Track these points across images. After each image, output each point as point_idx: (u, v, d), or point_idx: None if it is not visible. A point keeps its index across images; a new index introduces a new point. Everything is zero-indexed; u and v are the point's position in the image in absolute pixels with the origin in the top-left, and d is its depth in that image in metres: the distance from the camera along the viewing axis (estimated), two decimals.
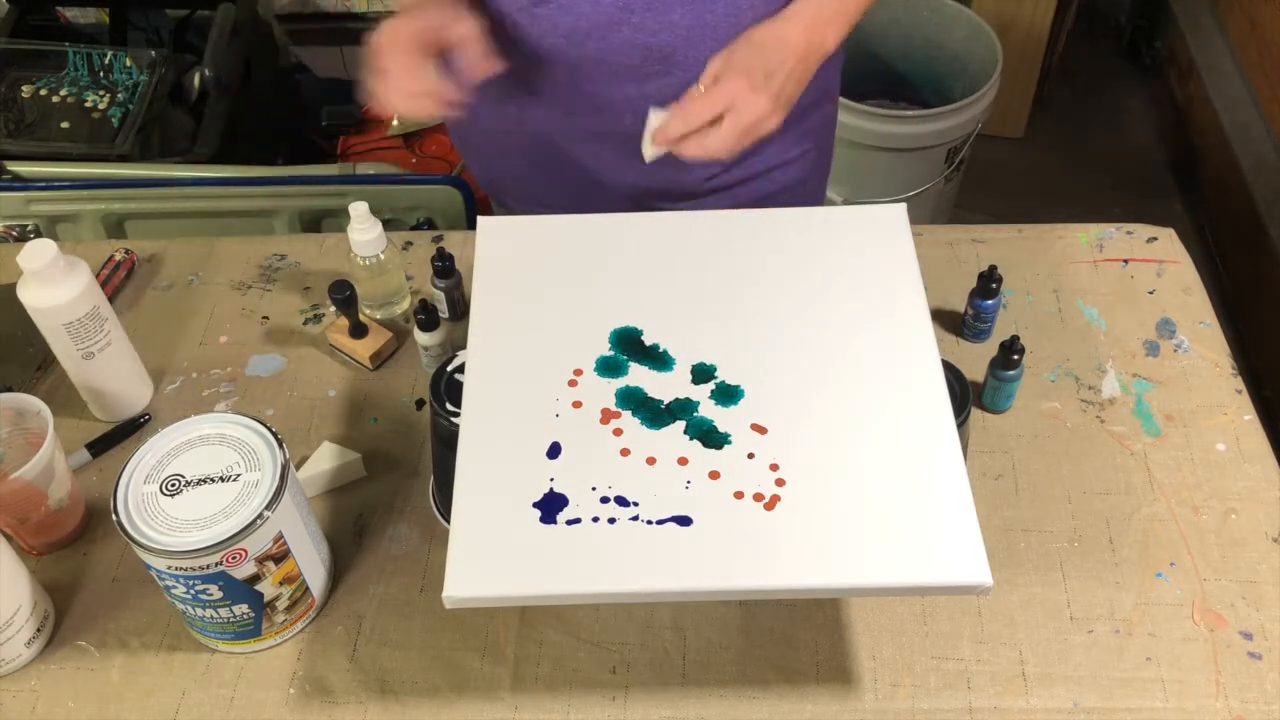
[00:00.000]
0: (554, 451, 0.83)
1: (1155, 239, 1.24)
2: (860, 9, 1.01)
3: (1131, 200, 2.55)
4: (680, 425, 0.84)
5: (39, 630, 0.93)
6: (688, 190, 1.18)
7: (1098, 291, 1.19)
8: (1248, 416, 1.07)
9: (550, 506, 0.80)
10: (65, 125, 1.84)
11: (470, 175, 1.88)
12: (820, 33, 0.98)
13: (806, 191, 1.24)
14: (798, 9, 0.99)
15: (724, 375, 0.88)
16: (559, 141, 1.16)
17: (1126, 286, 1.19)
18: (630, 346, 0.90)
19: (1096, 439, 1.06)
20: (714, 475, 0.81)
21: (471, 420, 0.85)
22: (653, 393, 0.87)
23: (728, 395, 0.86)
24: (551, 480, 0.81)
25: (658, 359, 0.89)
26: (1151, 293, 1.18)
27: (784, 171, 1.19)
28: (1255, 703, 0.88)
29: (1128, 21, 2.93)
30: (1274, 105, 2.27)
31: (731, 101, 0.93)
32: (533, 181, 1.22)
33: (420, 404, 1.11)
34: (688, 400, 0.86)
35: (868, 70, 2.28)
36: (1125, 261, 1.22)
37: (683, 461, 0.82)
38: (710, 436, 0.84)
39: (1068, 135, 2.73)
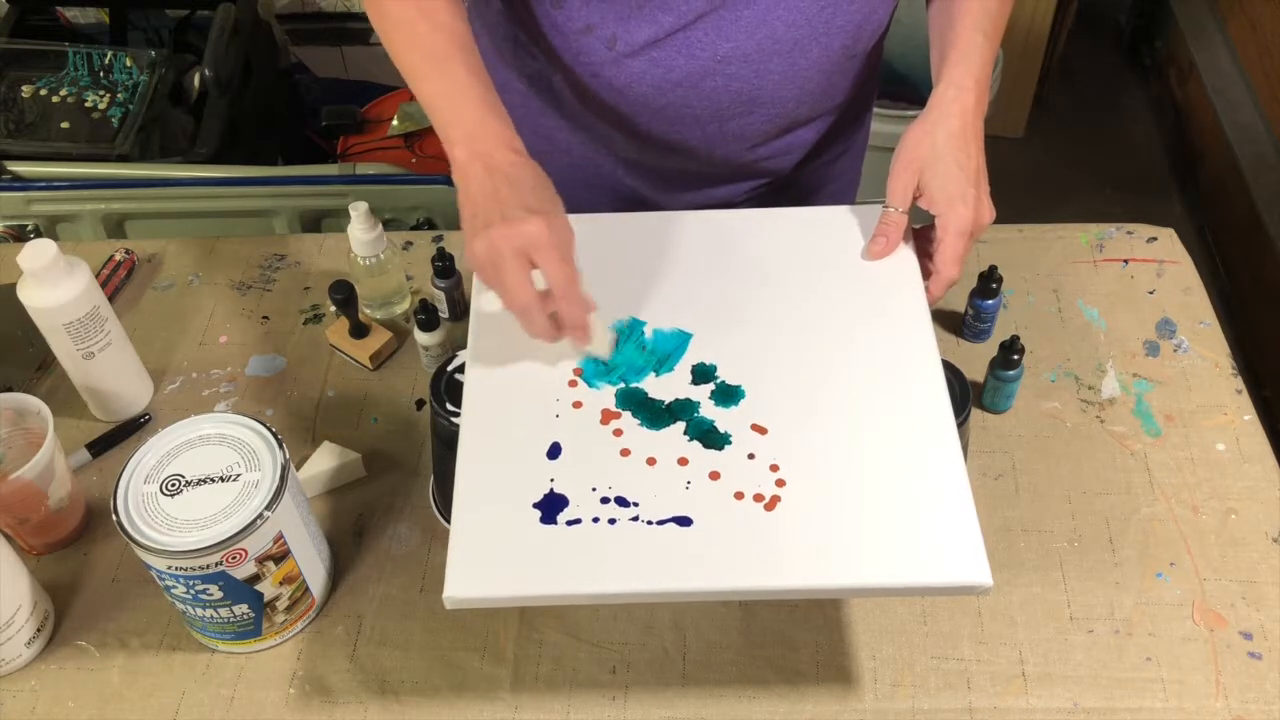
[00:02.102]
0: (554, 452, 0.83)
1: (1155, 239, 1.24)
2: (999, 34, 0.98)
3: (1131, 200, 2.55)
4: (680, 426, 0.84)
5: (39, 630, 0.93)
6: (737, 204, 1.17)
7: (1098, 291, 1.19)
8: (1248, 416, 1.07)
9: (550, 507, 0.80)
10: (65, 125, 1.84)
11: None
12: (980, 98, 0.94)
13: (848, 182, 1.26)
14: (956, 89, 0.94)
15: (724, 375, 0.87)
16: (610, 168, 1.15)
17: (1126, 286, 1.19)
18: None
19: (1096, 439, 1.06)
20: (714, 476, 0.81)
21: (471, 420, 0.85)
22: (653, 393, 0.86)
23: (728, 395, 0.86)
24: (552, 481, 0.81)
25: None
26: (1151, 293, 1.18)
27: (834, 164, 1.21)
28: (1255, 703, 0.88)
29: (1128, 21, 2.93)
30: (1274, 105, 2.27)
31: (973, 233, 0.92)
32: (567, 198, 1.20)
33: (420, 404, 1.11)
34: (688, 401, 0.86)
35: None
36: (1125, 261, 1.22)
37: (683, 462, 0.82)
38: (710, 437, 0.84)
39: (1068, 135, 2.73)
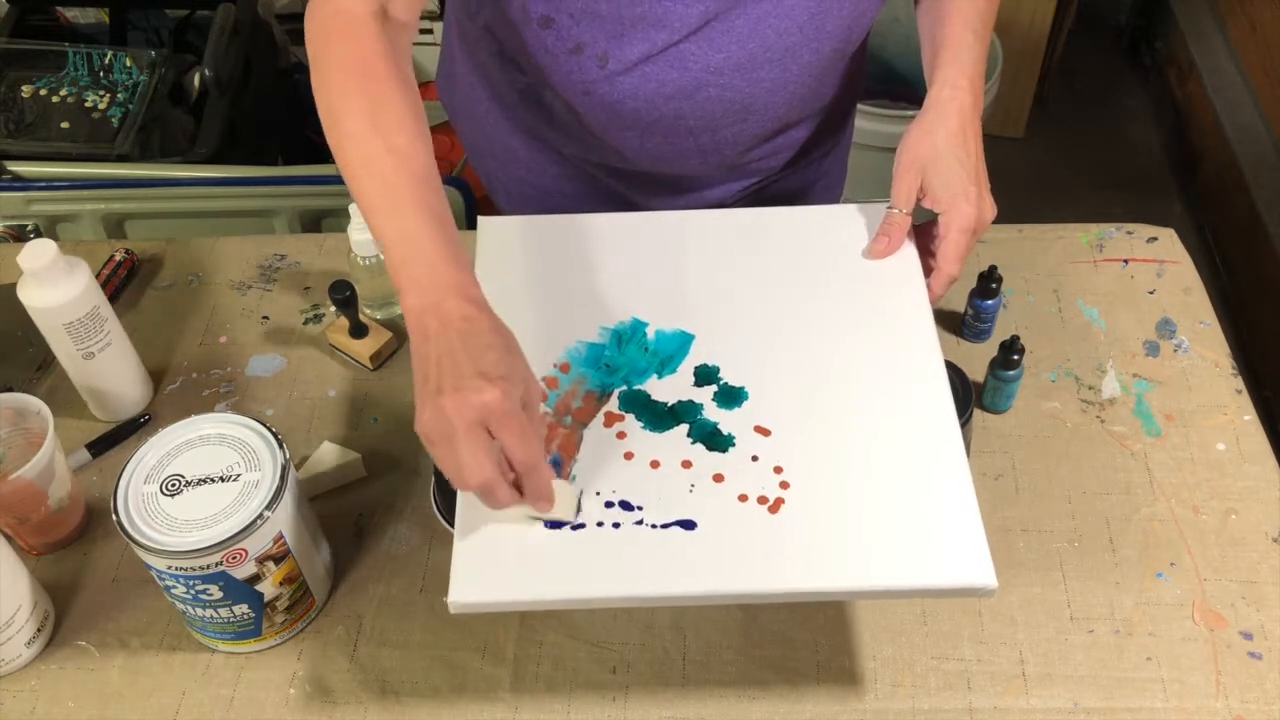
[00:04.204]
0: (558, 456, 0.83)
1: (1155, 239, 1.24)
2: (989, 32, 0.99)
3: (1131, 200, 2.55)
4: (684, 428, 0.84)
5: (39, 630, 0.93)
6: (729, 205, 1.18)
7: (1098, 291, 1.19)
8: (1248, 416, 1.07)
9: None
10: (65, 125, 1.84)
11: (472, 175, 1.88)
12: (976, 96, 0.94)
13: (836, 178, 1.26)
14: (951, 89, 0.94)
15: (727, 377, 0.87)
16: (602, 176, 1.14)
17: (1126, 286, 1.19)
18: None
19: (1096, 439, 1.06)
20: (718, 478, 0.81)
21: None
22: (656, 395, 0.86)
23: (731, 397, 0.86)
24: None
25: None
26: (1151, 293, 1.18)
27: (823, 161, 1.21)
28: (1255, 703, 0.88)
29: (1128, 21, 2.93)
30: (1274, 105, 2.27)
31: (975, 230, 0.93)
32: (561, 207, 1.18)
33: None
34: (691, 403, 0.86)
35: (868, 70, 2.29)
36: (1125, 261, 1.22)
37: (686, 465, 0.82)
38: (714, 439, 0.83)
39: (1068, 135, 2.73)
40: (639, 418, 0.85)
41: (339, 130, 0.82)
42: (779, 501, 0.80)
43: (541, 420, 0.79)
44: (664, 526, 0.79)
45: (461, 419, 0.71)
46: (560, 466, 0.82)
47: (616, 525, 0.79)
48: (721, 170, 1.12)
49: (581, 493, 0.80)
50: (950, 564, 0.76)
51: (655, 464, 0.82)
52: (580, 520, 0.79)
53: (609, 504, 0.80)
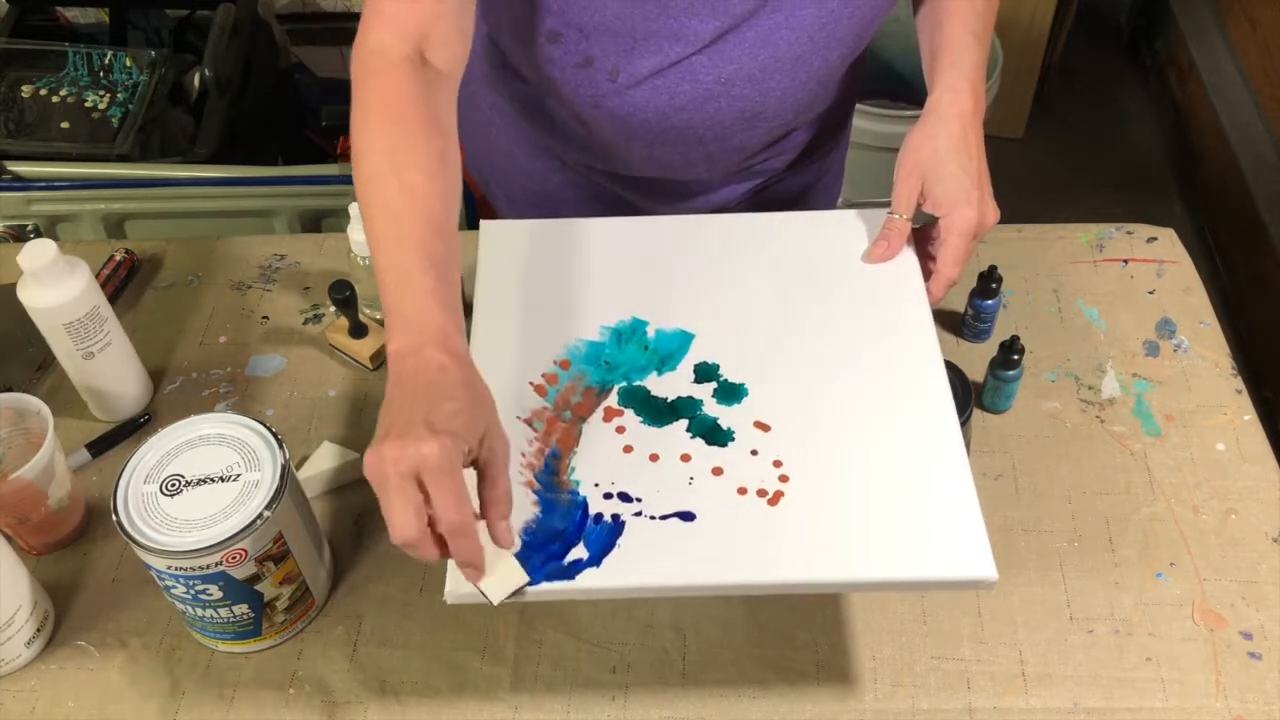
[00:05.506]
0: (556, 450, 0.83)
1: (1155, 239, 1.24)
2: (989, 35, 0.98)
3: (1131, 200, 2.55)
4: (683, 423, 0.84)
5: (39, 630, 0.93)
6: (731, 208, 1.18)
7: (1098, 291, 1.19)
8: (1248, 416, 1.07)
9: None
10: (65, 125, 1.84)
11: (470, 177, 1.88)
12: (977, 99, 0.94)
13: (835, 176, 1.27)
14: (952, 94, 0.94)
15: (726, 374, 0.88)
16: (607, 184, 1.14)
17: (1126, 286, 1.19)
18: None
19: (1096, 439, 1.06)
20: (717, 471, 0.81)
21: None
22: (655, 391, 0.87)
23: (730, 393, 0.86)
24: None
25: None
26: (1151, 293, 1.18)
27: (825, 160, 1.21)
28: (1255, 703, 0.88)
29: (1128, 21, 2.93)
30: (1274, 105, 2.27)
31: (976, 234, 0.93)
32: (563, 213, 1.16)
33: None
34: (690, 398, 0.86)
35: (868, 70, 2.28)
36: (1125, 261, 1.22)
37: (685, 458, 0.82)
38: (713, 433, 0.84)
39: (1068, 135, 2.73)
40: (638, 413, 0.85)
41: (360, 167, 0.81)
42: (778, 494, 0.80)
43: (511, 464, 0.76)
44: (663, 518, 0.79)
45: (395, 469, 0.68)
46: (559, 460, 0.82)
47: (615, 516, 0.79)
48: (726, 175, 1.12)
49: (527, 584, 0.75)
50: (950, 556, 0.76)
51: (654, 457, 0.82)
52: (493, 601, 0.73)
53: (608, 495, 0.80)
